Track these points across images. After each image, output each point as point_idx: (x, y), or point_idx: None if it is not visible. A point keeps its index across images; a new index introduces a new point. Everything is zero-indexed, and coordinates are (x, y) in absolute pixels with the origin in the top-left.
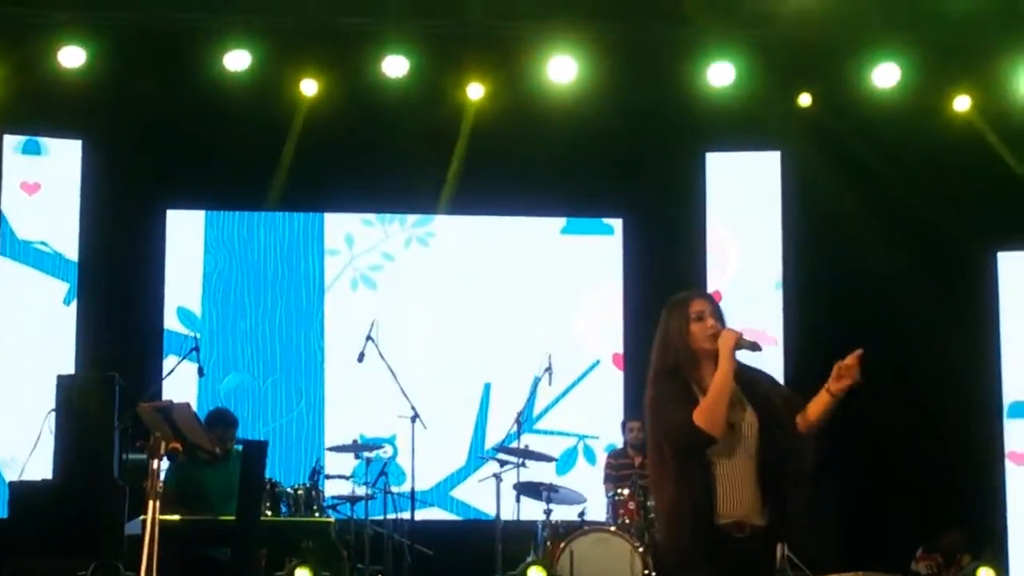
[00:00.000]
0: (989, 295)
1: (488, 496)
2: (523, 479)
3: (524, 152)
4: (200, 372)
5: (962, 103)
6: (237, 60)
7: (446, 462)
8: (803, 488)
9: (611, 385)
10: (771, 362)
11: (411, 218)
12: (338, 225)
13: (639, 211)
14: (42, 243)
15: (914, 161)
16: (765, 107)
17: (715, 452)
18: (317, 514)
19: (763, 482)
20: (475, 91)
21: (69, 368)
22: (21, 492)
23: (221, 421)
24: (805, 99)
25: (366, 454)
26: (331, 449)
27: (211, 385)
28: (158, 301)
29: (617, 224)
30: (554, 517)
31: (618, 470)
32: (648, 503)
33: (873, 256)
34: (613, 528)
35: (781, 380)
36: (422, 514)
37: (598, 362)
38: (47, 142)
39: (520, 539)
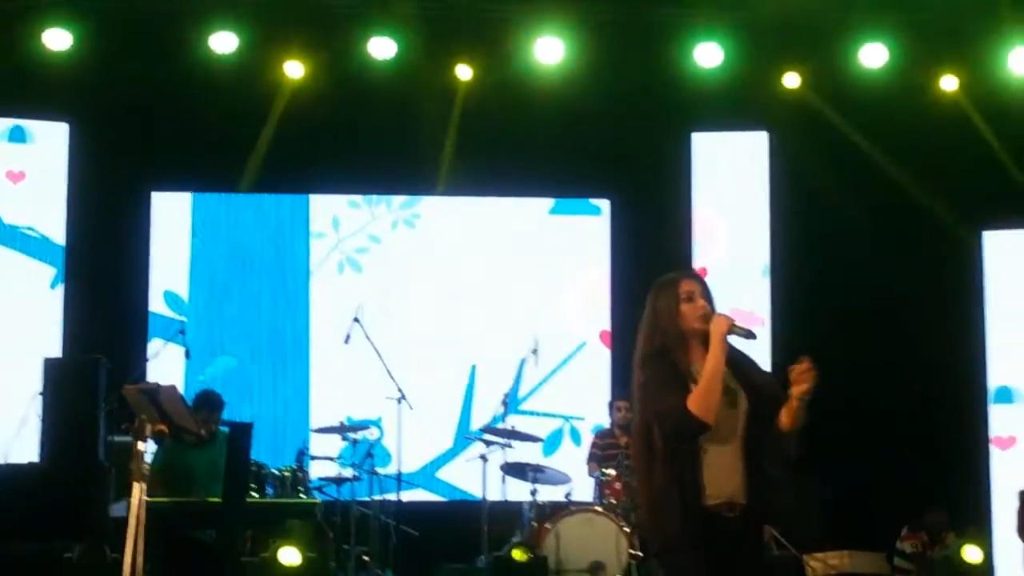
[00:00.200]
0: (975, 275)
1: (474, 477)
2: (509, 460)
3: (512, 133)
4: (187, 354)
5: (949, 83)
6: (223, 42)
7: (432, 444)
8: (785, 470)
9: (598, 367)
10: (758, 345)
11: (398, 200)
12: (325, 208)
13: (626, 192)
14: (29, 228)
15: (901, 141)
16: (752, 88)
17: (706, 435)
18: (303, 495)
19: (748, 464)
20: (463, 72)
21: (56, 352)
22: (6, 475)
23: (207, 403)
24: (792, 79)
25: (352, 435)
26: (317, 431)
27: (197, 368)
28: (144, 284)
29: (605, 205)
30: (540, 497)
31: (604, 450)
32: (634, 483)
33: (860, 237)
34: (599, 508)
35: (768, 364)
36: (408, 495)
37: (584, 343)
38: (33, 126)
39: (506, 519)
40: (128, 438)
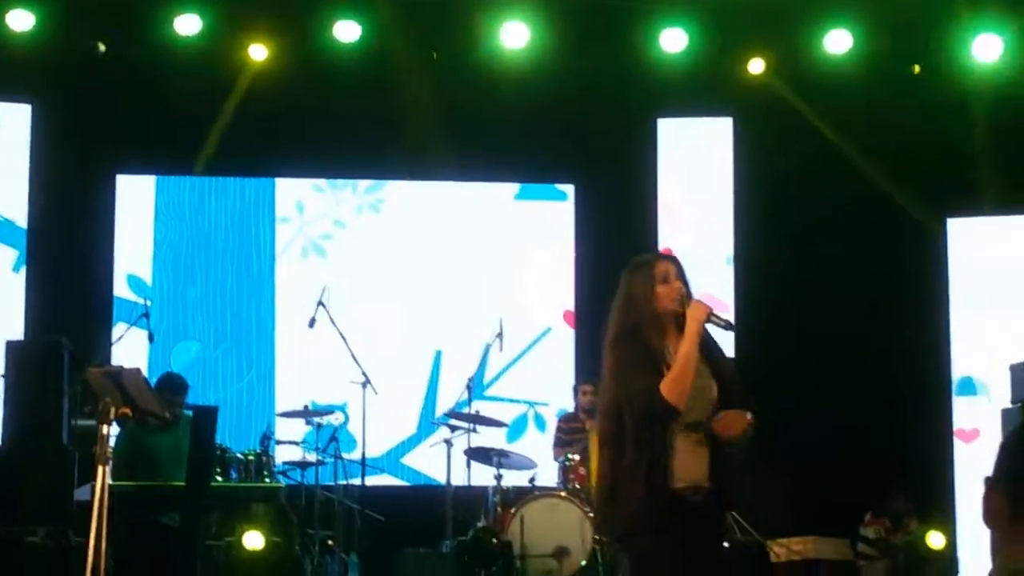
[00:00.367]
0: (939, 262)
1: (439, 463)
2: (474, 445)
3: (477, 118)
4: (150, 338)
5: (913, 70)
6: (187, 24)
7: (397, 429)
8: (749, 455)
9: (563, 352)
10: (721, 333)
11: (363, 184)
12: (289, 192)
13: (591, 177)
14: None
15: (865, 127)
16: (717, 74)
17: (676, 420)
18: (267, 480)
19: (714, 450)
20: (429, 56)
21: (18, 335)
22: None
23: (171, 386)
24: (757, 65)
25: (317, 420)
26: (282, 415)
27: (161, 352)
28: (108, 268)
29: (570, 190)
30: (505, 483)
31: (569, 434)
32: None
33: (823, 224)
34: (563, 493)
35: (731, 352)
36: (373, 480)
37: (549, 329)
38: None
39: (471, 504)
40: (92, 421)
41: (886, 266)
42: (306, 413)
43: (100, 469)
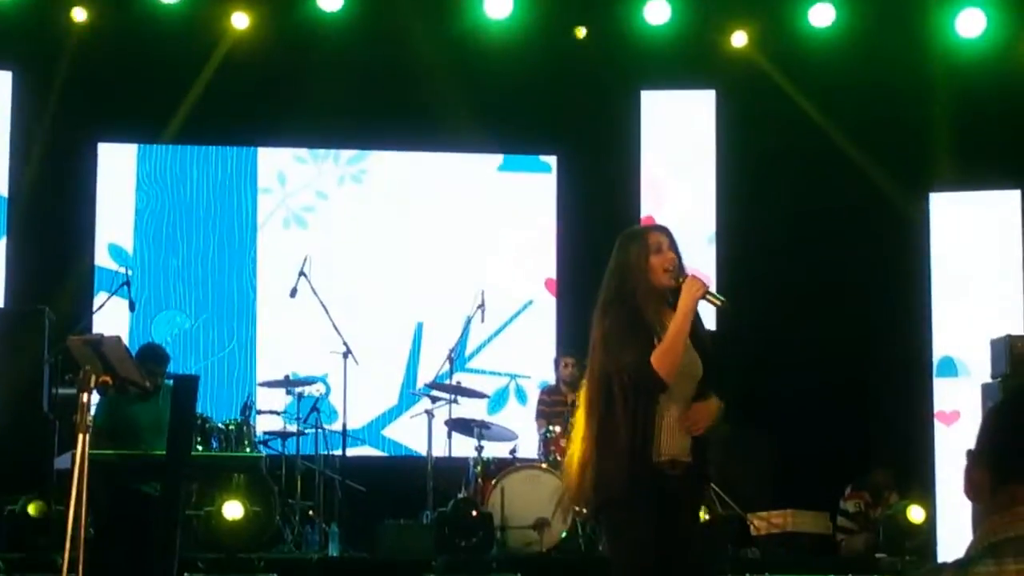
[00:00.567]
0: (921, 238)
1: (420, 435)
2: (455, 416)
3: (460, 88)
4: (131, 307)
5: (894, 43)
6: None
7: (378, 401)
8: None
9: (545, 325)
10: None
11: (345, 155)
12: (271, 162)
13: (574, 149)
14: None
15: (848, 101)
16: (700, 46)
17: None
18: (248, 450)
19: None
20: (412, 26)
21: None
22: None
23: (152, 356)
24: (740, 38)
25: (298, 390)
26: (263, 384)
27: (142, 322)
28: (89, 237)
29: (553, 161)
30: (485, 454)
31: (551, 406)
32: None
33: (806, 200)
34: (544, 465)
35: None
36: (354, 451)
37: (531, 301)
38: None
39: (451, 476)
40: (72, 390)
41: (869, 242)
42: (287, 383)
43: (80, 437)
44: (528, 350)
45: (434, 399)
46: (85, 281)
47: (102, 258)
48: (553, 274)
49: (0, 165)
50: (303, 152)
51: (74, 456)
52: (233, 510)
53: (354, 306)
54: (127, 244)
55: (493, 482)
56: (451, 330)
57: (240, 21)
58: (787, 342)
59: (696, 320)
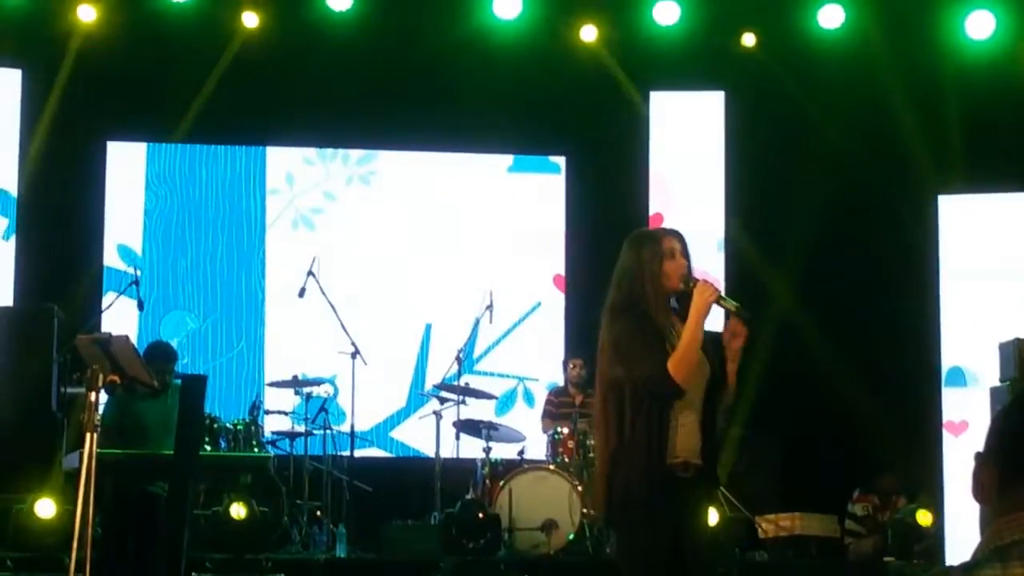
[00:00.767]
0: (930, 242)
1: (427, 437)
2: (463, 417)
3: (470, 89)
4: (140, 306)
5: (902, 45)
6: None
7: (386, 403)
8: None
9: (553, 327)
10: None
11: (353, 156)
12: (279, 163)
13: (583, 150)
14: None
15: (857, 103)
16: (710, 47)
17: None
18: (256, 450)
19: (705, 427)
20: (421, 27)
21: (7, 303)
22: None
23: (160, 354)
24: (749, 39)
25: (306, 391)
26: (271, 384)
27: (151, 322)
28: (98, 237)
29: (562, 162)
30: (493, 455)
31: (558, 407)
32: (588, 442)
33: (815, 203)
34: (552, 466)
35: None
36: (361, 452)
37: (540, 303)
38: None
39: (459, 477)
40: (81, 389)
41: (878, 244)
42: (295, 383)
43: (88, 436)
44: (536, 352)
45: (442, 400)
46: (94, 281)
47: (111, 258)
48: (562, 271)
49: (9, 164)
50: (311, 153)
51: (82, 455)
52: (237, 511)
53: (362, 307)
54: (136, 244)
55: (501, 483)
56: (459, 331)
57: (250, 20)
58: (797, 346)
59: None
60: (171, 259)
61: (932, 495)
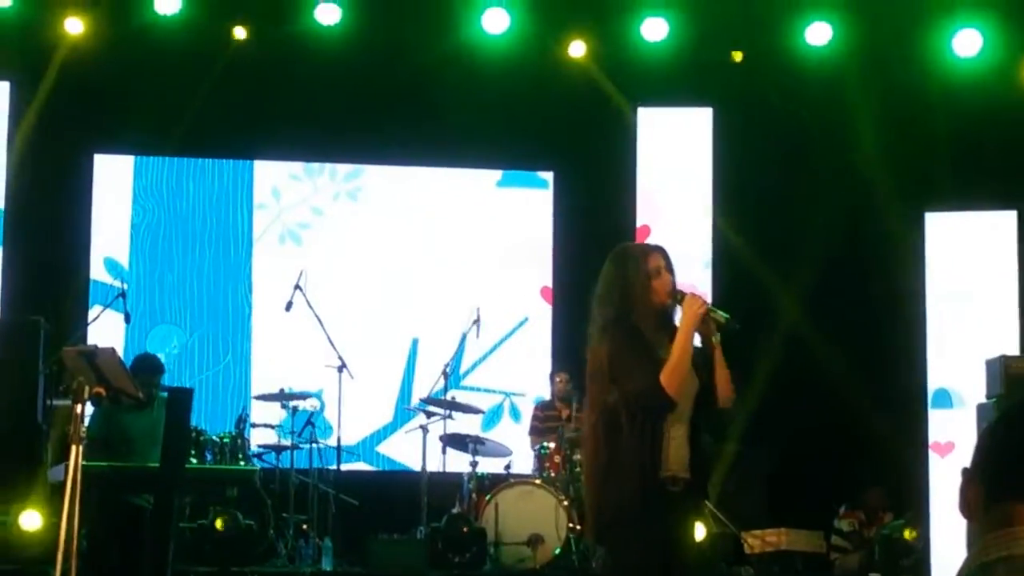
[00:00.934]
0: (917, 259)
1: (414, 451)
2: (450, 432)
3: (457, 104)
4: (126, 319)
5: (891, 63)
6: (168, 3)
7: (372, 417)
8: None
9: (540, 343)
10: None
11: (341, 172)
12: (266, 179)
13: (570, 165)
14: None
15: (844, 120)
16: (698, 63)
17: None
18: (242, 463)
19: (693, 441)
20: (409, 41)
21: None
22: None
23: (147, 367)
24: (737, 56)
25: (292, 405)
26: (257, 398)
27: (137, 337)
28: (85, 250)
29: (550, 177)
30: (480, 469)
31: (544, 422)
32: (574, 457)
33: (803, 219)
34: (539, 481)
35: None
36: (348, 466)
37: (527, 319)
38: None
39: (446, 491)
40: (67, 401)
41: (865, 261)
42: (282, 396)
43: (74, 449)
44: (523, 368)
45: (429, 414)
46: (80, 294)
47: (98, 271)
48: (550, 283)
49: None
50: (298, 169)
51: (68, 467)
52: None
53: (349, 322)
54: (123, 258)
55: (487, 498)
56: (446, 346)
57: (238, 34)
58: (782, 363)
59: None
60: (158, 273)
61: (918, 511)
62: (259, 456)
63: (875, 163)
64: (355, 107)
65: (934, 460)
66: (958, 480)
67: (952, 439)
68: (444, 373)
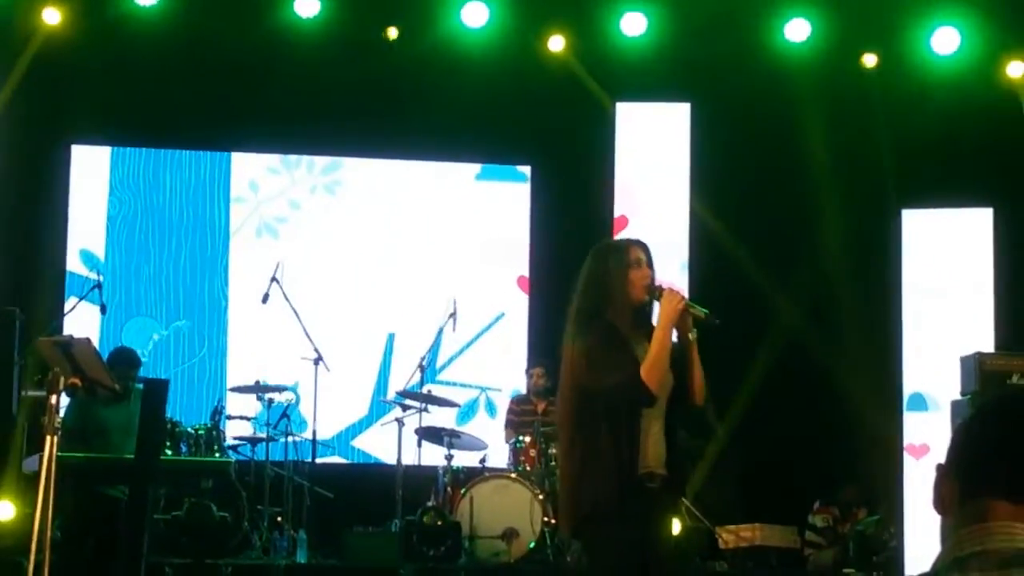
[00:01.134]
0: (893, 258)
1: (389, 446)
2: (425, 425)
3: (436, 97)
4: (102, 310)
5: (868, 60)
6: None
7: (348, 412)
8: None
9: (515, 338)
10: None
11: (319, 165)
12: (244, 172)
13: (548, 159)
14: None
15: (822, 117)
16: (677, 58)
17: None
18: (217, 454)
19: (669, 436)
20: (388, 34)
21: None
22: None
23: (123, 360)
24: (716, 51)
25: (268, 397)
26: (233, 390)
27: (113, 329)
28: (61, 242)
29: (528, 171)
30: (455, 463)
31: (520, 416)
32: (550, 451)
33: (779, 215)
34: (514, 475)
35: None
36: (323, 460)
37: (503, 314)
38: None
39: (421, 484)
40: (42, 392)
41: (841, 258)
42: (257, 388)
43: (48, 439)
44: (499, 363)
45: (405, 408)
46: (56, 286)
47: (74, 263)
48: (525, 280)
49: None
50: (276, 162)
51: (42, 458)
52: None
53: (326, 315)
54: (99, 250)
55: (462, 491)
56: (423, 341)
57: (216, 25)
58: (759, 360)
59: None
60: (134, 265)
61: (892, 507)
62: (234, 448)
63: (853, 159)
64: (333, 100)
65: (909, 462)
66: (932, 478)
67: (927, 441)
68: (420, 367)
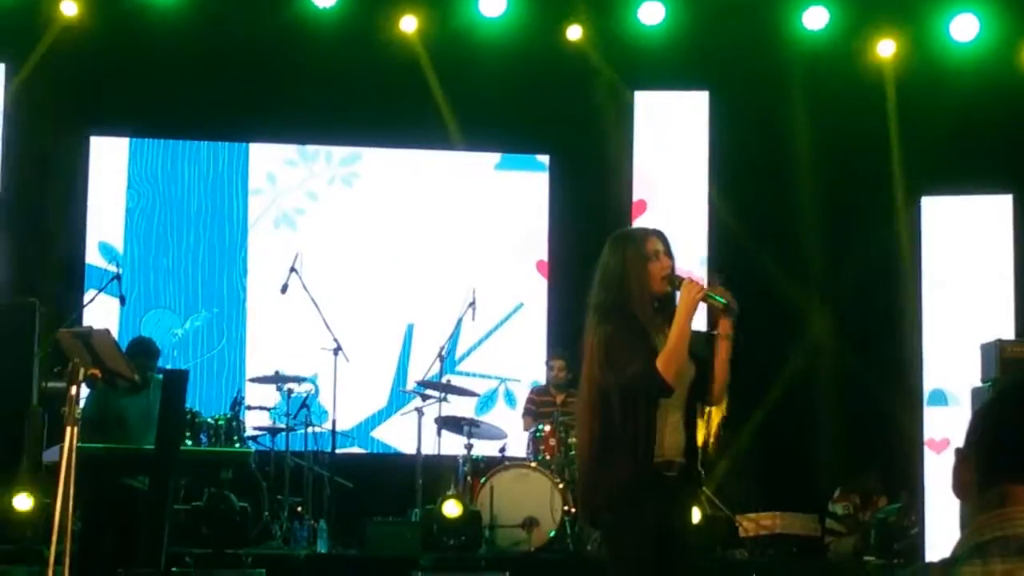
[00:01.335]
0: (913, 246)
1: (409, 437)
2: (445, 414)
3: (456, 87)
4: (122, 301)
5: (887, 47)
6: None
7: (367, 402)
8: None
9: (535, 328)
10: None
11: (336, 156)
12: (262, 164)
13: (567, 148)
14: None
15: (840, 105)
16: (695, 47)
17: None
18: (237, 445)
19: (688, 426)
20: (407, 24)
21: None
22: None
23: (142, 350)
24: (734, 40)
25: (287, 386)
26: (253, 380)
27: (132, 321)
28: (80, 234)
29: (547, 161)
30: (475, 452)
31: (540, 406)
32: (570, 440)
33: (798, 204)
34: (534, 464)
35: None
36: (343, 450)
37: (522, 304)
38: None
39: (440, 473)
40: (62, 383)
41: (861, 246)
42: (277, 379)
43: (68, 430)
44: (518, 353)
45: (424, 397)
46: (76, 279)
47: (92, 256)
48: (544, 272)
49: None
50: (293, 154)
51: (62, 449)
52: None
53: (345, 306)
54: (117, 242)
55: (482, 480)
56: (442, 331)
57: (234, 16)
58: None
59: None
60: (152, 257)
61: (912, 494)
62: (254, 438)
63: (872, 147)
64: (351, 91)
65: (929, 456)
66: (952, 463)
67: (947, 436)
68: (440, 356)
